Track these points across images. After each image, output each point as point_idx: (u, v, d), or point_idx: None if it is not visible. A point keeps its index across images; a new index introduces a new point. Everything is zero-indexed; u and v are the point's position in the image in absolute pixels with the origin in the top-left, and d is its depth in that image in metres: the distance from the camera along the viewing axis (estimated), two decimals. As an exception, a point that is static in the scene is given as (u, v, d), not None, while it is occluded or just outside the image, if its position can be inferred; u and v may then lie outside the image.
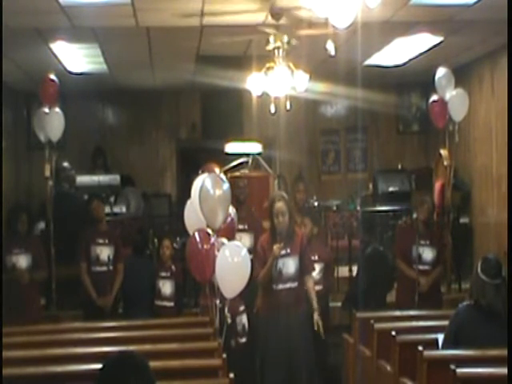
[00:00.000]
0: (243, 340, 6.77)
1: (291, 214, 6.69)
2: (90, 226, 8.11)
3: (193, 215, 6.04)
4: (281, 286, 6.58)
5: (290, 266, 6.60)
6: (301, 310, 6.63)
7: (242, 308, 6.81)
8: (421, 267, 7.64)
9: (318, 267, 7.27)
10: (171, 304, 7.76)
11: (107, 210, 9.94)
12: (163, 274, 7.80)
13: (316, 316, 6.52)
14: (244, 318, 6.80)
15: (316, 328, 6.50)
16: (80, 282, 7.94)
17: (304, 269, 6.71)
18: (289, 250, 6.61)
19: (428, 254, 7.71)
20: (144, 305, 7.75)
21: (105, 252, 7.98)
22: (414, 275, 7.64)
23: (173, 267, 7.85)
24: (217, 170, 6.70)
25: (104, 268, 7.94)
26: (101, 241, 8.01)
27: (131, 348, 4.12)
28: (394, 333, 5.54)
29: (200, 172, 6.43)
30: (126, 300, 8.14)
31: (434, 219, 8.33)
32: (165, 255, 7.85)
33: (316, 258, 7.27)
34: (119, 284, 7.98)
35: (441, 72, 8.74)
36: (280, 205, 6.61)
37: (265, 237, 6.82)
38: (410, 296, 7.59)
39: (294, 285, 6.61)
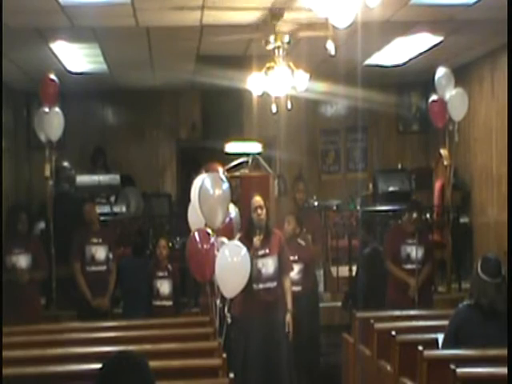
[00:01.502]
0: None
1: (268, 212, 6.73)
2: (84, 226, 8.11)
3: (196, 215, 6.04)
4: (261, 286, 6.58)
5: (269, 265, 6.61)
6: (280, 310, 6.63)
7: None
8: (409, 266, 7.65)
9: (297, 268, 7.22)
10: (170, 303, 7.76)
11: (107, 209, 9.96)
12: (160, 273, 7.80)
13: (288, 317, 6.59)
14: None
15: (286, 330, 6.55)
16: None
17: (282, 269, 6.72)
18: (267, 250, 6.63)
19: (416, 252, 7.68)
20: (143, 305, 7.76)
21: (100, 252, 7.97)
22: (403, 276, 7.64)
23: (169, 267, 7.85)
24: (220, 169, 6.72)
25: (99, 268, 7.94)
26: (95, 240, 8.01)
27: (131, 348, 4.13)
28: (393, 333, 5.54)
29: (203, 171, 6.43)
30: (125, 300, 8.14)
31: (429, 219, 8.34)
32: (161, 255, 7.85)
33: (296, 258, 7.24)
34: (113, 284, 7.98)
35: (441, 72, 8.74)
36: (257, 199, 6.69)
37: (240, 236, 6.76)
38: (400, 296, 7.59)
39: (273, 284, 6.62)
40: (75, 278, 7.93)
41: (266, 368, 6.52)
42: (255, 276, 6.54)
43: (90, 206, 8.20)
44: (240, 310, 6.62)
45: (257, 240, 6.53)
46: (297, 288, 7.13)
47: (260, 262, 6.58)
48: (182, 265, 7.77)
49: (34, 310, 7.66)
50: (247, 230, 6.68)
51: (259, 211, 6.62)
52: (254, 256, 6.49)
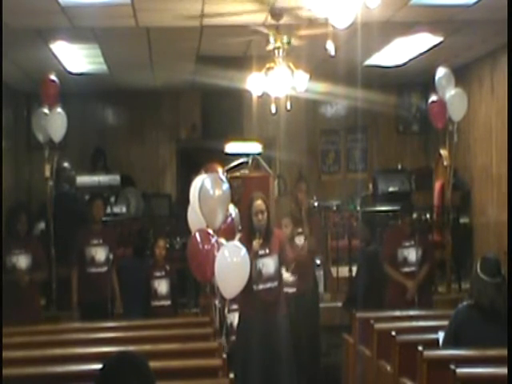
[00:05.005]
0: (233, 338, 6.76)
1: (269, 213, 6.68)
2: (85, 227, 8.09)
3: (195, 215, 6.04)
4: (261, 286, 6.52)
5: (269, 265, 6.55)
6: (280, 310, 6.61)
7: (233, 307, 6.79)
8: (407, 269, 7.66)
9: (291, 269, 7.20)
10: (168, 303, 7.75)
11: (107, 210, 9.94)
12: (158, 273, 7.80)
13: None
14: (232, 317, 6.78)
15: None
16: (79, 282, 7.92)
17: (284, 267, 6.73)
18: (267, 250, 6.58)
19: (413, 254, 7.68)
20: (142, 305, 7.76)
21: (100, 253, 7.94)
22: (401, 278, 7.64)
23: (167, 267, 7.85)
24: (219, 169, 6.70)
25: (99, 269, 7.90)
26: (95, 241, 7.98)
27: (131, 348, 4.13)
28: (393, 333, 5.55)
29: (202, 172, 6.42)
30: (125, 300, 8.13)
31: (429, 219, 8.33)
32: (160, 255, 7.85)
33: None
34: (116, 286, 7.95)
35: (441, 72, 8.74)
36: (259, 203, 6.59)
37: (241, 236, 6.75)
38: (399, 298, 7.58)
39: (274, 284, 6.57)
40: (71, 281, 7.90)
41: (267, 368, 6.51)
42: (255, 276, 6.54)
43: (99, 204, 8.16)
44: (240, 310, 6.63)
45: (256, 243, 6.48)
46: (291, 289, 7.11)
47: (260, 262, 6.56)
48: (182, 265, 7.76)
49: (33, 310, 7.65)
50: (248, 233, 6.66)
51: (260, 216, 6.55)
52: (253, 257, 6.48)
